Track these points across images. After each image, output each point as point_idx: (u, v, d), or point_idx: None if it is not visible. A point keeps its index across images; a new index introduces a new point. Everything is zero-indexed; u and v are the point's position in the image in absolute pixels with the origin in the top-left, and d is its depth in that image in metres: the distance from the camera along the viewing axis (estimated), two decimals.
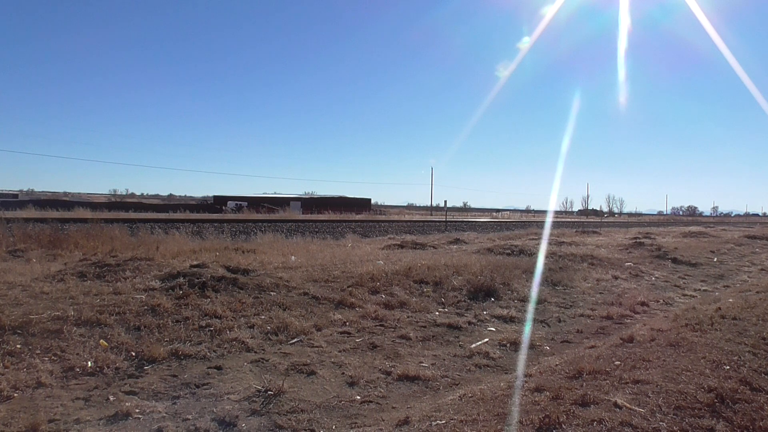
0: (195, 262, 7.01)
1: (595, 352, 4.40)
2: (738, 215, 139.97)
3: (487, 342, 5.24)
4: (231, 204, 57.18)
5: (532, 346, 5.18)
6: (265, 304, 5.63)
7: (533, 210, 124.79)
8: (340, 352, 4.60)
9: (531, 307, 6.86)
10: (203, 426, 3.04)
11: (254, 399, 3.47)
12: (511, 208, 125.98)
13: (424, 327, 5.62)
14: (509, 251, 11.95)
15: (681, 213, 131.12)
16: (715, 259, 13.81)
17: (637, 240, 16.47)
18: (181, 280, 6.00)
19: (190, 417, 3.15)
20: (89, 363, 3.84)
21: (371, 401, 3.60)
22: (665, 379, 3.40)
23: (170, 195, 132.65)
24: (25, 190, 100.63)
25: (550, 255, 11.05)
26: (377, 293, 6.68)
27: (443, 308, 6.50)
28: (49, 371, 3.66)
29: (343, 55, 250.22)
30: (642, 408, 2.93)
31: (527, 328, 5.85)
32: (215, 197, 69.07)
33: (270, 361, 4.22)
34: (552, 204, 75.41)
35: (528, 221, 41.10)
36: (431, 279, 7.56)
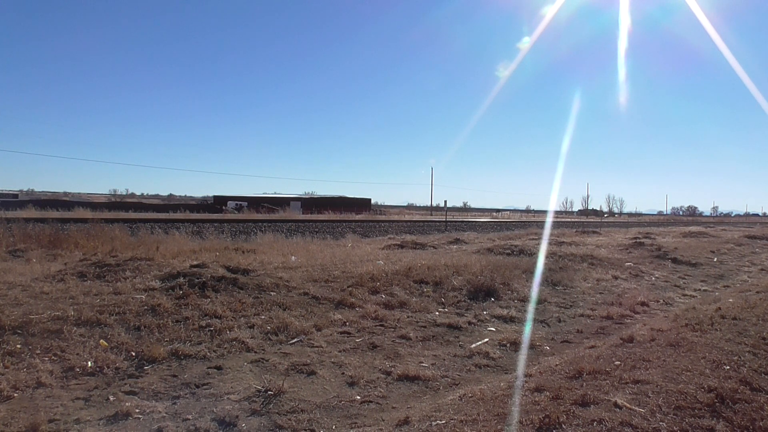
0: (195, 262, 7.01)
1: (595, 352, 4.40)
2: (738, 215, 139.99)
3: (487, 342, 5.24)
4: (231, 204, 57.14)
5: (532, 346, 5.18)
6: (265, 304, 5.63)
7: (533, 210, 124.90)
8: (340, 352, 4.60)
9: (531, 307, 6.86)
10: (203, 426, 3.04)
11: (254, 399, 3.47)
12: (511, 208, 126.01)
13: (424, 327, 5.62)
14: (509, 251, 11.95)
15: (681, 213, 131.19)
16: (715, 259, 13.80)
17: (637, 240, 16.46)
18: (181, 280, 6.00)
19: (190, 417, 3.15)
20: (89, 363, 3.84)
21: (371, 401, 3.60)
22: (665, 379, 3.40)
23: (170, 195, 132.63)
24: (25, 190, 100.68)
25: (550, 255, 11.05)
26: (377, 293, 6.68)
27: (443, 308, 6.50)
28: (49, 371, 3.66)
29: (343, 55, 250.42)
30: (642, 408, 2.93)
31: (527, 328, 5.85)
32: (215, 197, 69.00)
33: (270, 361, 4.22)
34: (552, 204, 75.52)
35: (528, 221, 41.09)
36: (431, 279, 7.56)
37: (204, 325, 4.84)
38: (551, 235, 18.26)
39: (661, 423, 2.75)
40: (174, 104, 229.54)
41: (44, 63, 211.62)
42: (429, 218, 43.87)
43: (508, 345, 5.16)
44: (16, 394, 3.32)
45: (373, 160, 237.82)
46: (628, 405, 2.96)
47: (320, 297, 6.19)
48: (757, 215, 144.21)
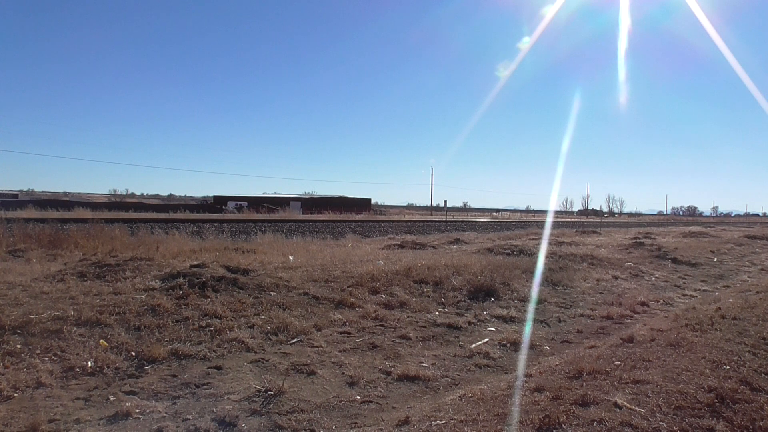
0: (195, 262, 7.01)
1: (595, 352, 4.40)
2: (738, 215, 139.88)
3: (487, 342, 5.24)
4: (231, 204, 57.14)
5: (532, 346, 5.18)
6: (265, 304, 5.63)
7: (533, 210, 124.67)
8: (340, 352, 4.60)
9: (531, 307, 6.86)
10: (203, 426, 3.04)
11: (254, 399, 3.47)
12: (511, 208, 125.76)
13: (424, 327, 5.62)
14: (509, 251, 11.95)
15: (681, 213, 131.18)
16: (715, 259, 13.80)
17: (637, 240, 16.46)
18: (181, 280, 6.00)
19: (190, 417, 3.15)
20: (89, 363, 3.84)
21: (371, 401, 3.60)
22: (665, 379, 3.40)
23: (170, 195, 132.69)
24: (25, 190, 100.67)
25: (550, 255, 11.05)
26: (377, 293, 6.68)
27: (443, 308, 6.50)
28: (49, 371, 3.66)
29: (343, 55, 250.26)
30: (642, 408, 2.93)
31: (527, 328, 5.85)
32: (215, 197, 68.96)
33: (270, 361, 4.22)
34: (552, 204, 75.59)
35: (528, 221, 41.09)
36: (431, 279, 7.56)
37: (204, 325, 4.84)
38: (551, 235, 18.26)
39: (661, 423, 2.75)
40: (174, 104, 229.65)
41: (44, 63, 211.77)
42: (429, 218, 43.87)
43: (508, 345, 5.17)
44: (16, 394, 3.32)
45: (373, 160, 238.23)
46: (628, 405, 2.96)
47: (320, 297, 6.19)
48: (757, 215, 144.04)
